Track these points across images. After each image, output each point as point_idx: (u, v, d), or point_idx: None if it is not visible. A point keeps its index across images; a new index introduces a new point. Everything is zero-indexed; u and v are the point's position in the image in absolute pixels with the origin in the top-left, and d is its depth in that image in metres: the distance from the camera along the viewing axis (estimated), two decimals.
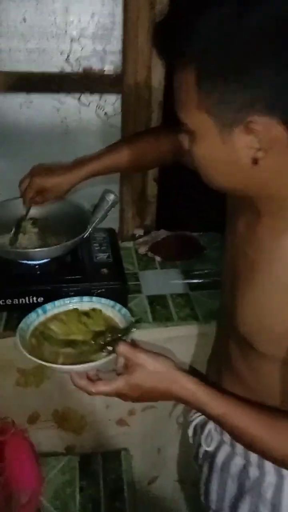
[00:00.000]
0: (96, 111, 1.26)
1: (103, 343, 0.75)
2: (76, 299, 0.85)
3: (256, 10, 0.52)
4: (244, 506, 0.86)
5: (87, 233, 1.09)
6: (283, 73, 0.52)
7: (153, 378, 0.68)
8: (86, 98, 1.24)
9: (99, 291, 1.05)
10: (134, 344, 0.71)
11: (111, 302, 0.83)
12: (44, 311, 0.82)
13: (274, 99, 0.53)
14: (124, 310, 0.81)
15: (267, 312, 0.67)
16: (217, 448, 0.90)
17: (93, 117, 1.26)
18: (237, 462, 0.86)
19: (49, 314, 0.82)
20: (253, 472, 0.84)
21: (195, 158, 0.63)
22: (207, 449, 0.91)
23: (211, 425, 0.91)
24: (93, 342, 0.76)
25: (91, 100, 1.24)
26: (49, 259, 1.09)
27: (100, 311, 0.83)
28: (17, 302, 1.05)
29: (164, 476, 1.34)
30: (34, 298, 1.05)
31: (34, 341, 0.78)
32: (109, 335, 0.76)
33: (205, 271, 1.27)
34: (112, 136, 1.26)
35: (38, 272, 1.09)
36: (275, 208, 0.65)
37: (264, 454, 0.70)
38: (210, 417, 0.70)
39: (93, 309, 0.83)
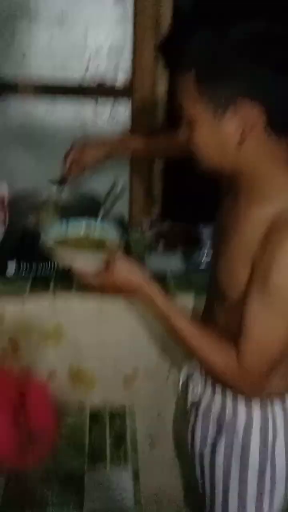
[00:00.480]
0: (109, 118, 1.49)
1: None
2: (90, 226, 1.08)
3: (233, 30, 0.73)
4: (221, 444, 1.01)
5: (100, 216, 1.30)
6: (258, 74, 0.73)
7: (125, 280, 0.89)
8: (101, 106, 1.47)
9: None
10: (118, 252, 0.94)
11: (113, 233, 1.06)
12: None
13: (254, 93, 0.73)
14: (118, 236, 1.04)
15: (235, 266, 0.85)
16: (200, 398, 1.07)
17: (107, 122, 1.49)
18: (216, 405, 1.02)
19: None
20: (228, 413, 0.99)
21: (194, 144, 0.82)
22: (193, 395, 1.08)
23: (197, 375, 1.08)
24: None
25: (105, 108, 1.47)
26: None
27: (105, 240, 1.05)
28: (41, 269, 1.25)
29: (163, 440, 1.49)
30: (55, 267, 1.25)
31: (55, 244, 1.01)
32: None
33: (203, 258, 1.45)
34: None
35: None
36: (251, 184, 0.84)
37: (206, 365, 0.90)
38: (164, 322, 0.90)
39: (101, 240, 1.05)
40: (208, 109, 0.76)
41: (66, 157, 1.27)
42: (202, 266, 1.41)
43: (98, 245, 1.02)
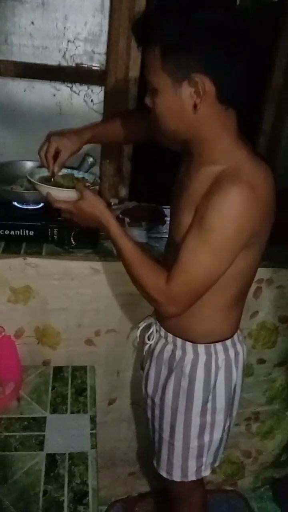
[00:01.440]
0: (84, 99, 1.60)
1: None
2: (75, 171, 1.31)
3: (195, 16, 0.86)
4: (170, 382, 1.17)
5: None
6: (211, 54, 0.87)
7: (90, 206, 1.07)
8: (77, 87, 1.58)
9: (77, 229, 1.36)
10: (88, 188, 1.11)
11: (93, 176, 1.30)
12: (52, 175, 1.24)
13: (207, 69, 0.87)
14: (97, 179, 1.30)
15: (182, 215, 1.01)
16: (156, 343, 1.22)
17: (82, 103, 1.60)
18: (168, 348, 1.18)
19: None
20: (178, 353, 1.15)
21: (156, 110, 0.96)
22: (149, 342, 1.22)
23: (153, 327, 1.23)
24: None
25: (81, 89, 1.58)
26: (41, 205, 1.40)
27: (86, 179, 1.26)
28: (13, 233, 1.35)
29: (121, 398, 1.62)
30: (26, 231, 1.36)
31: (38, 181, 1.19)
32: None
33: (164, 230, 1.59)
34: (96, 120, 1.60)
35: (32, 213, 1.40)
36: (202, 148, 0.99)
37: (138, 283, 1.04)
38: (115, 244, 1.05)
39: (82, 178, 1.27)
40: (168, 78, 0.90)
41: (40, 151, 1.30)
42: (163, 236, 1.54)
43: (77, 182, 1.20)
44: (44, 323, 1.44)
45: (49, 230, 1.36)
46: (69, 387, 1.39)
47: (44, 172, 1.25)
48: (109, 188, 1.75)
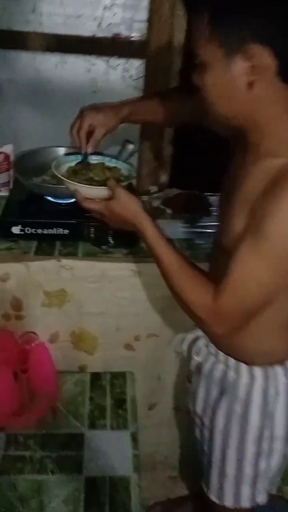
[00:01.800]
0: (122, 74, 1.41)
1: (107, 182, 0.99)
2: (107, 158, 1.15)
3: None
4: (222, 405, 1.04)
5: None
6: (270, 20, 0.71)
7: (124, 208, 0.93)
8: (114, 61, 1.40)
9: None
10: (120, 185, 0.96)
11: (128, 167, 1.14)
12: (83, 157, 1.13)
13: (264, 39, 0.71)
14: (133, 170, 1.13)
15: (234, 217, 0.84)
16: (205, 359, 1.08)
17: (119, 79, 1.42)
18: (219, 368, 1.04)
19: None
20: (231, 374, 1.01)
21: (205, 89, 0.80)
22: (197, 358, 1.09)
23: (201, 341, 1.09)
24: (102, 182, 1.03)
25: (118, 63, 1.40)
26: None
27: (119, 170, 1.12)
28: (46, 232, 1.22)
29: (162, 402, 1.52)
30: (60, 230, 1.22)
31: (65, 173, 1.08)
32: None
33: (209, 223, 1.42)
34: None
35: (66, 209, 1.26)
36: (259, 137, 0.82)
37: (180, 297, 0.90)
38: (152, 252, 0.91)
39: (115, 167, 1.12)
40: (219, 51, 0.75)
41: (72, 128, 1.16)
42: (208, 232, 1.38)
43: (109, 173, 1.08)
44: (80, 328, 1.33)
45: (85, 228, 1.23)
46: (107, 397, 1.29)
47: (72, 162, 1.12)
48: (148, 174, 1.59)
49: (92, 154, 1.15)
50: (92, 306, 1.29)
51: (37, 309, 1.28)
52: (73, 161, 1.11)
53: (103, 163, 1.13)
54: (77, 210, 1.23)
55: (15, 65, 1.38)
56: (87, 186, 0.99)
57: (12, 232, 1.21)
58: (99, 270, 1.24)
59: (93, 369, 1.39)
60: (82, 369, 1.40)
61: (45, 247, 1.24)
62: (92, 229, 1.22)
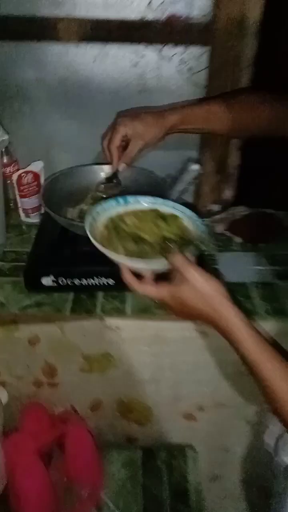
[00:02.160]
0: (179, 67, 1.09)
1: (165, 248, 0.73)
2: (159, 200, 0.82)
3: None
4: None
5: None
6: None
7: (198, 299, 0.64)
8: (168, 50, 1.08)
9: None
10: (188, 258, 0.67)
11: (191, 213, 0.79)
12: (125, 202, 0.81)
13: None
14: (200, 223, 0.77)
15: None
16: None
17: (175, 73, 1.10)
18: None
19: (129, 207, 0.81)
20: None
21: None
22: (285, 460, 0.80)
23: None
24: (156, 245, 0.75)
25: (174, 53, 1.08)
26: None
27: (178, 218, 0.80)
28: (85, 283, 0.94)
29: (227, 475, 1.24)
30: (104, 279, 0.94)
31: (105, 231, 0.77)
32: (175, 244, 0.73)
33: None
34: (195, 97, 1.11)
35: None
36: None
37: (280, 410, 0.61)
38: (242, 357, 0.63)
39: (172, 215, 0.80)
40: None
41: (103, 139, 0.94)
42: None
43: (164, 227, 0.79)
44: (129, 396, 1.06)
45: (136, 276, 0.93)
46: (165, 485, 1.02)
47: (114, 209, 0.82)
48: (209, 190, 1.27)
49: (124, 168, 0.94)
50: (144, 372, 1.01)
51: (75, 375, 1.01)
52: (112, 208, 0.81)
53: (156, 212, 0.81)
54: None
55: (43, 60, 1.09)
56: (136, 260, 0.70)
57: (42, 284, 0.93)
58: (153, 330, 0.95)
59: (145, 441, 1.13)
60: (131, 441, 1.14)
61: (84, 302, 0.96)
62: None
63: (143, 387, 1.04)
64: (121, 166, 0.95)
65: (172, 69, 1.10)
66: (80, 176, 1.07)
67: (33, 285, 0.94)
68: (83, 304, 0.95)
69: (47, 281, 0.93)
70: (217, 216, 1.25)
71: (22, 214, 1.21)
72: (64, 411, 1.02)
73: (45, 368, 1.00)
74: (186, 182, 0.94)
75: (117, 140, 0.91)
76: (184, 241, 0.75)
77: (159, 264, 0.68)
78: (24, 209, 1.20)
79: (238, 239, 1.17)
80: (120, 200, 0.81)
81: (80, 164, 1.12)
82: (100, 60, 1.09)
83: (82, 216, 1.01)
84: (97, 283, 0.94)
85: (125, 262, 0.69)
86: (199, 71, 1.10)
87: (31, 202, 1.18)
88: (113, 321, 0.93)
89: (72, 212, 1.02)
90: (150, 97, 1.12)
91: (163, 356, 0.99)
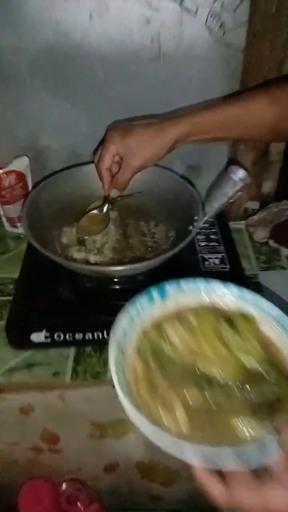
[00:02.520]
0: (207, 22, 0.79)
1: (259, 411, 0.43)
2: (217, 285, 0.52)
3: None
4: None
5: (195, 230, 0.69)
6: None
7: None
8: (192, 1, 0.77)
9: None
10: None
11: (276, 310, 0.50)
12: (162, 296, 0.51)
13: None
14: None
15: None
16: None
17: (202, 31, 0.80)
18: None
19: (169, 304, 0.51)
20: None
21: None
22: None
23: None
24: (239, 391, 0.45)
25: (200, 3, 0.77)
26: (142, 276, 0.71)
27: (254, 322, 0.50)
28: (89, 338, 0.70)
29: None
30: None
31: (140, 366, 0.47)
32: (271, 384, 0.45)
33: None
34: (230, 65, 0.82)
35: (121, 290, 0.72)
36: None
37: None
38: None
39: (243, 316, 0.50)
40: None
41: (94, 158, 0.73)
42: None
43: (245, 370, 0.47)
44: (150, 459, 0.85)
45: None
46: None
47: None
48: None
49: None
50: None
51: (83, 442, 0.80)
52: (148, 309, 0.52)
53: (216, 310, 0.52)
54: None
55: (21, 21, 0.79)
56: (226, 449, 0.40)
57: (32, 342, 0.69)
58: None
59: (171, 502, 0.93)
60: (154, 499, 0.94)
61: (90, 359, 0.72)
62: None
63: None
64: (113, 192, 0.73)
65: (198, 27, 0.79)
66: (78, 180, 0.81)
67: (19, 343, 0.70)
68: (89, 363, 0.71)
69: (38, 337, 0.69)
70: (255, 217, 0.98)
71: (6, 224, 0.95)
72: (71, 486, 0.82)
73: (45, 435, 0.79)
74: (226, 195, 0.67)
75: (106, 161, 0.69)
76: (279, 369, 0.46)
77: (262, 450, 0.40)
78: (8, 218, 0.94)
79: (285, 251, 0.91)
80: (154, 293, 0.51)
81: (77, 163, 0.85)
82: (98, 17, 0.78)
83: (82, 240, 0.75)
84: (106, 335, 0.70)
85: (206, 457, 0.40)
86: (236, 28, 0.79)
87: (17, 209, 0.92)
88: None
89: (69, 235, 0.76)
90: (167, 66, 0.83)
91: None
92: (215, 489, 0.42)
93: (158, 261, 0.65)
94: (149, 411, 0.43)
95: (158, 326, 0.49)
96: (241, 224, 0.98)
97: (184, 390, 0.45)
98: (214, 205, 0.68)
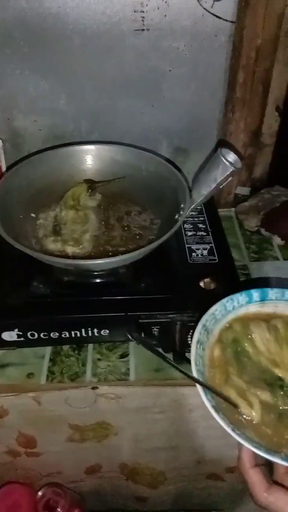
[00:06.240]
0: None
1: None
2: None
3: None
4: None
5: (182, 219, 0.63)
6: None
7: None
8: None
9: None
10: None
11: None
12: (262, 299, 0.52)
13: None
14: None
15: None
16: None
17: (189, 2, 0.73)
18: None
19: (266, 308, 0.53)
20: None
21: None
22: None
23: None
24: None
25: None
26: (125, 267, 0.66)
27: None
28: (66, 336, 0.64)
29: None
30: (95, 330, 0.64)
31: (217, 351, 0.49)
32: None
33: None
34: (220, 38, 0.75)
35: (101, 285, 0.66)
36: None
37: None
38: None
39: None
40: None
41: None
42: None
43: None
44: (134, 462, 0.80)
45: (142, 325, 0.63)
46: None
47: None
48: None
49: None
50: (156, 440, 0.74)
51: (62, 445, 0.75)
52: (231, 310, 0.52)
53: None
54: (125, 286, 0.66)
55: None
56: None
57: (3, 340, 0.63)
58: (170, 396, 0.67)
59: (157, 504, 0.89)
60: (140, 501, 0.90)
61: (68, 359, 0.67)
62: (157, 327, 0.63)
63: (155, 454, 0.78)
64: None
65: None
66: (54, 164, 0.74)
67: None
68: (66, 363, 0.66)
69: (10, 336, 0.63)
70: (246, 204, 0.93)
71: None
72: (52, 490, 0.77)
73: (21, 439, 0.73)
74: (215, 181, 0.61)
75: None
76: None
77: None
78: None
79: (277, 240, 0.86)
80: (254, 295, 0.52)
81: (55, 145, 0.78)
82: None
83: (58, 229, 0.69)
84: (85, 333, 0.64)
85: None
86: None
87: None
88: (110, 389, 0.65)
89: (43, 223, 0.70)
90: (151, 39, 0.76)
91: (182, 422, 0.71)
92: (258, 485, 0.42)
93: (141, 253, 0.59)
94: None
95: (245, 324, 0.50)
96: (230, 212, 0.92)
97: (257, 390, 0.45)
98: (203, 192, 0.62)
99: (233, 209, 0.92)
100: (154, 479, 0.83)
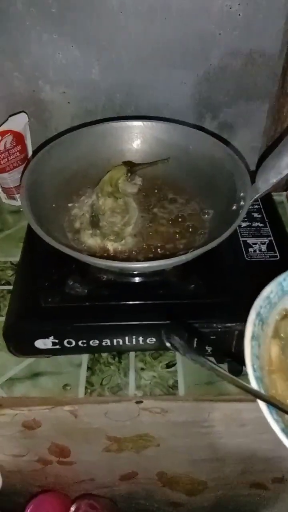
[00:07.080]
0: None
1: None
2: None
3: None
4: None
5: (244, 212, 0.54)
6: None
7: None
8: None
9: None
10: None
11: None
12: None
13: None
14: None
15: None
16: None
17: None
18: None
19: None
20: None
21: None
22: None
23: None
24: None
25: None
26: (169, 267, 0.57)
27: None
28: (107, 344, 0.56)
29: None
30: (140, 338, 0.56)
31: (275, 348, 0.41)
32: None
33: None
34: (281, 10, 0.64)
35: (145, 286, 0.58)
36: None
37: None
38: None
39: None
40: None
41: None
42: None
43: None
44: (173, 472, 0.74)
45: (193, 334, 0.55)
46: None
47: None
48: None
49: None
50: (201, 452, 0.68)
51: (97, 455, 0.68)
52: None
53: None
54: (174, 288, 0.58)
55: None
56: None
57: (36, 348, 0.56)
58: (222, 411, 0.59)
59: (195, 509, 0.83)
60: (175, 506, 0.84)
61: (107, 368, 0.59)
62: (213, 337, 0.55)
63: (198, 464, 0.71)
64: None
65: None
66: (89, 143, 0.65)
67: (21, 350, 0.57)
68: (106, 373, 0.59)
69: (44, 343, 0.56)
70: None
71: (2, 195, 0.80)
72: (84, 500, 0.71)
73: (53, 448, 0.67)
74: (283, 169, 0.51)
75: None
76: None
77: None
78: (4, 189, 0.79)
79: None
80: None
81: (86, 122, 0.69)
82: None
83: (96, 220, 0.61)
84: (129, 341, 0.56)
85: None
86: None
87: (14, 177, 0.77)
88: (156, 403, 0.58)
89: (78, 213, 0.61)
90: None
91: (233, 436, 0.64)
92: None
93: (197, 253, 0.51)
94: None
95: None
96: (281, 196, 0.82)
97: None
98: (271, 179, 0.52)
99: (284, 193, 0.82)
100: (195, 488, 0.78)
